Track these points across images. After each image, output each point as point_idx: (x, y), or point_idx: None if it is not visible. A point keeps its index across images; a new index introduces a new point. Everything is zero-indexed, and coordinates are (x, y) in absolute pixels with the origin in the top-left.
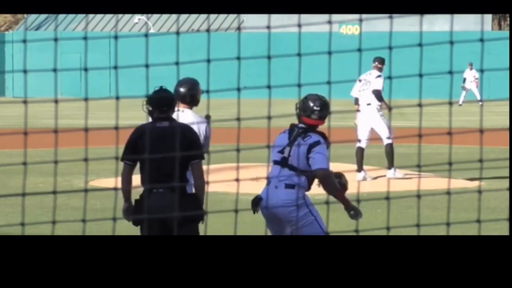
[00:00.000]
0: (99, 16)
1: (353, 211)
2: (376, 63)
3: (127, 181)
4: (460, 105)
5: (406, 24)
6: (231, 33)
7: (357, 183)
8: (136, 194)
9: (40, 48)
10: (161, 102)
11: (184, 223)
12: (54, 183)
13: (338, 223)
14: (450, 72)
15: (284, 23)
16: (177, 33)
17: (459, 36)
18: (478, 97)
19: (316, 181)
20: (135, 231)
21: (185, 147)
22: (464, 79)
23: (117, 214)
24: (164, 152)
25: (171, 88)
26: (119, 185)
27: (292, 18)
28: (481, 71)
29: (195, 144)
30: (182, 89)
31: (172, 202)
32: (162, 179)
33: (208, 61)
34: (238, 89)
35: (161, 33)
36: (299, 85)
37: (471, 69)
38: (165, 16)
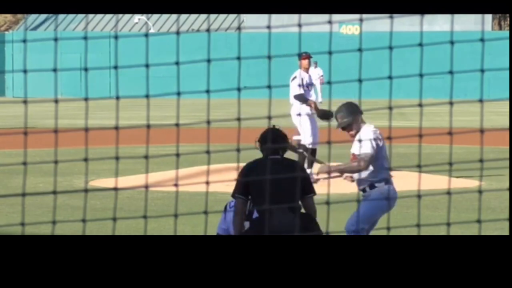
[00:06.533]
0: (99, 16)
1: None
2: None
3: (242, 216)
4: None
5: (406, 24)
6: (231, 33)
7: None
8: (135, 194)
9: (40, 48)
10: (270, 140)
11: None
12: (54, 183)
13: (338, 223)
14: (450, 72)
15: (284, 23)
16: (177, 33)
17: (459, 36)
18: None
19: None
20: (135, 231)
21: (302, 180)
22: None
23: (117, 214)
24: (280, 184)
25: (172, 89)
26: (119, 185)
27: (292, 18)
28: (481, 71)
29: (308, 179)
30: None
31: (293, 221)
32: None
33: (208, 61)
34: (238, 89)
35: (161, 33)
36: (299, 85)
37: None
38: (165, 16)
